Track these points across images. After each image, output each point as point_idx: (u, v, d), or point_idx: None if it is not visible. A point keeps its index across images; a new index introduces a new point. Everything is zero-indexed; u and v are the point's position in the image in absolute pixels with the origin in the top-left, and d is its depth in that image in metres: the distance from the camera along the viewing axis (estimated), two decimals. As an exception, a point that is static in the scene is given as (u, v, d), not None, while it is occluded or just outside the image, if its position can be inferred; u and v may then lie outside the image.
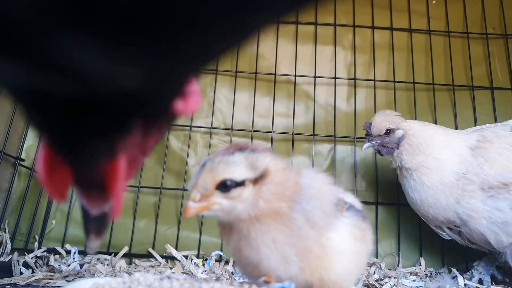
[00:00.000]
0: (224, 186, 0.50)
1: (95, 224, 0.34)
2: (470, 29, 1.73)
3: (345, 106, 1.68)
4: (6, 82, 0.23)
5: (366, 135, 1.32)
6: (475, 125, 1.57)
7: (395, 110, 1.58)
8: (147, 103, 0.26)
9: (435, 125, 1.29)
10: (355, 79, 1.66)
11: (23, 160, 1.38)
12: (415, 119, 1.56)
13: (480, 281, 1.20)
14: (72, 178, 0.30)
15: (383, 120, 1.27)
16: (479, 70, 1.69)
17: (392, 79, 1.66)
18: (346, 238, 0.56)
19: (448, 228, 1.20)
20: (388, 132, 1.25)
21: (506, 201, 1.07)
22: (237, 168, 0.50)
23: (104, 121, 0.25)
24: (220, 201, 0.50)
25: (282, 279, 0.54)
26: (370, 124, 1.31)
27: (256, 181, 0.51)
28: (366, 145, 1.30)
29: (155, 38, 0.19)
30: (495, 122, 1.53)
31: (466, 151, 1.15)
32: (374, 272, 1.29)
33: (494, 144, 1.12)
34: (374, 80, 1.65)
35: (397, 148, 1.24)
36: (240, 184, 0.50)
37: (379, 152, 1.30)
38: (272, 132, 1.58)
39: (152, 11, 0.17)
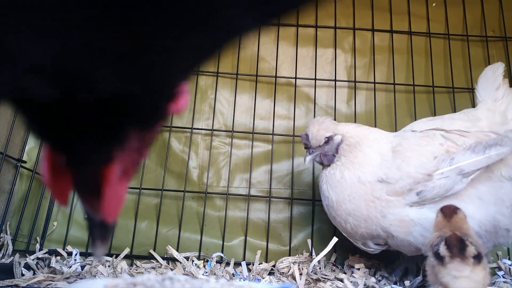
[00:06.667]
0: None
1: (100, 231, 0.36)
2: (469, 31, 1.74)
3: (345, 108, 1.68)
4: (9, 92, 0.24)
5: (305, 148, 1.27)
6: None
7: (395, 112, 1.60)
8: (143, 109, 0.27)
9: (370, 127, 1.27)
10: (355, 81, 1.67)
11: (25, 162, 1.39)
12: (415, 121, 1.57)
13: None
14: (72, 182, 0.32)
15: (319, 129, 1.22)
16: (479, 73, 1.69)
17: (392, 82, 1.66)
18: None
19: (376, 243, 1.17)
20: (327, 140, 1.21)
21: (429, 206, 1.06)
22: None
23: (101, 127, 0.26)
24: None
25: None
26: (307, 135, 1.24)
27: None
28: (308, 158, 1.24)
29: (153, 51, 0.20)
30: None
31: (389, 153, 1.15)
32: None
33: (404, 145, 1.15)
34: (374, 83, 1.66)
35: (337, 152, 1.21)
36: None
37: (321, 163, 1.25)
38: (273, 134, 1.59)
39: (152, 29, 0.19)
